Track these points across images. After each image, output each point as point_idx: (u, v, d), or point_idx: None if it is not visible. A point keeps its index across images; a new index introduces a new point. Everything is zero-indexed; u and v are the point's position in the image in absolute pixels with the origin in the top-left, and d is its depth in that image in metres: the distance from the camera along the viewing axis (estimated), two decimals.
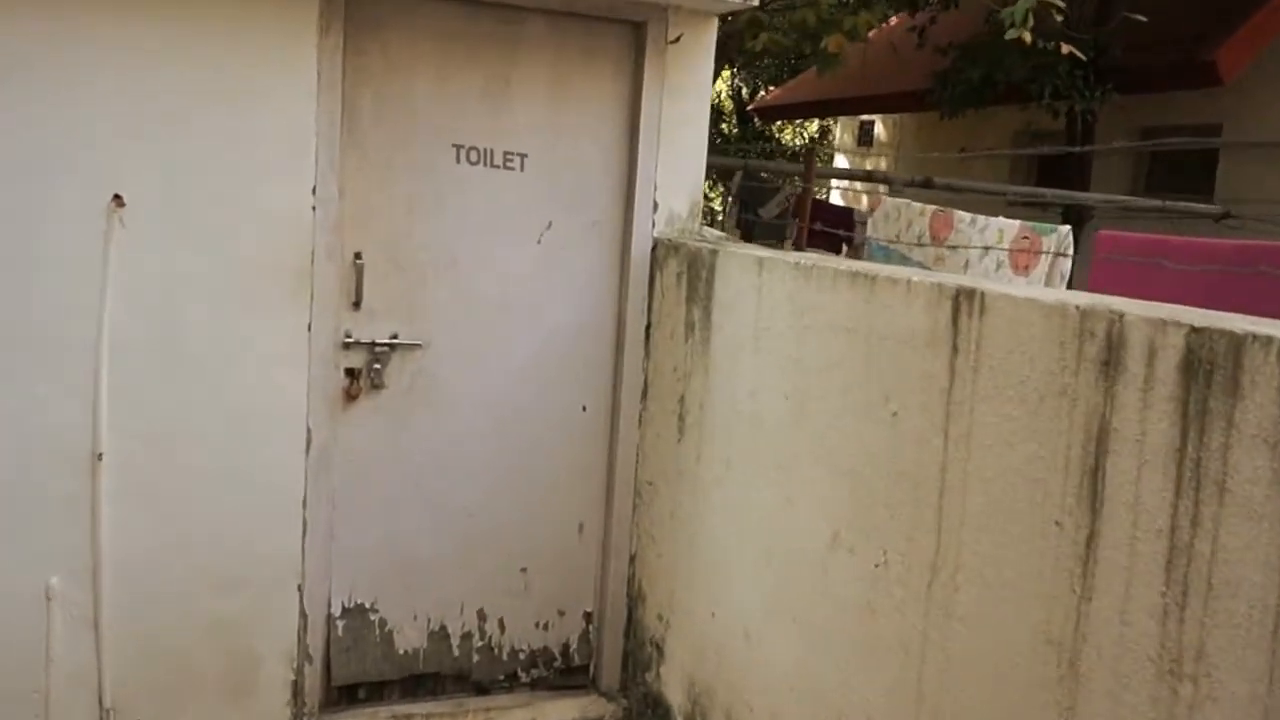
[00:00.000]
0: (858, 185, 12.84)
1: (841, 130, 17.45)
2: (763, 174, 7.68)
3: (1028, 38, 5.59)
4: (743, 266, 3.95)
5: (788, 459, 3.67)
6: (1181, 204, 7.00)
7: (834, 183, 13.61)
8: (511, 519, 4.57)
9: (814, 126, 22.69)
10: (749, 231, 7.81)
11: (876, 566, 3.20)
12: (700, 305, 4.20)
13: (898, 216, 5.47)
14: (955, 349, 2.93)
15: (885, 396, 3.20)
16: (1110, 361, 2.45)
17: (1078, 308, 2.54)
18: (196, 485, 4.03)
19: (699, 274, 4.21)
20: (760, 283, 3.83)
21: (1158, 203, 6.96)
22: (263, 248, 4.01)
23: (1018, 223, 5.12)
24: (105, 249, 3.82)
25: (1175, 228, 6.43)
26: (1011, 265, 4.99)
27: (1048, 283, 4.92)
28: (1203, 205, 7.12)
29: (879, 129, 15.67)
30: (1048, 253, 4.80)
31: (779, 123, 21.05)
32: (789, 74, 17.48)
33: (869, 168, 15.26)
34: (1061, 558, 2.56)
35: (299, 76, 3.98)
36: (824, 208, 7.55)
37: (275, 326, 4.06)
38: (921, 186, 6.73)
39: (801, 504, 3.58)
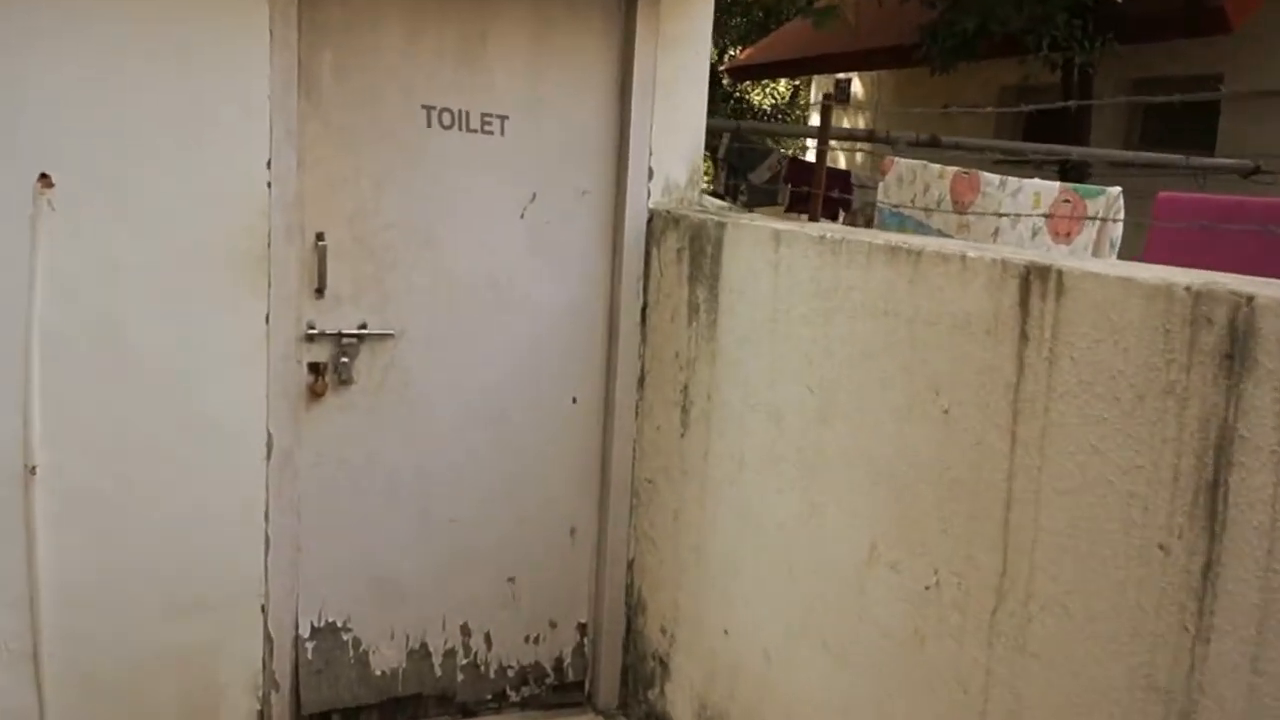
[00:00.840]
0: (835, 145, 12.38)
1: (816, 89, 16.97)
2: (752, 136, 7.24)
3: None
4: (756, 241, 3.50)
5: (813, 459, 3.24)
6: (1208, 160, 6.53)
7: (809, 143, 13.18)
8: (497, 524, 4.13)
9: (782, 85, 22.21)
10: (733, 197, 7.38)
11: (927, 588, 2.78)
12: (705, 285, 3.76)
13: (913, 179, 5.03)
14: (1024, 337, 2.50)
15: (934, 391, 2.77)
16: (1234, 355, 2.03)
17: (1188, 289, 2.12)
18: (143, 499, 3.56)
19: (703, 249, 3.77)
20: (777, 259, 3.39)
21: (1179, 158, 6.50)
22: (213, 230, 3.53)
23: (1057, 184, 4.67)
24: (32, 236, 3.33)
25: (1194, 186, 6.03)
26: (1050, 232, 4.55)
27: (1095, 252, 4.49)
28: (1229, 160, 6.67)
29: (855, 86, 15.22)
30: (1094, 218, 4.37)
31: (747, 83, 20.54)
32: (759, 33, 16.98)
33: (846, 125, 14.86)
34: (1169, 589, 2.15)
35: (248, 35, 3.50)
36: (813, 169, 7.11)
37: (229, 319, 3.59)
38: (928, 146, 6.29)
39: (831, 511, 3.16)
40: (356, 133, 3.73)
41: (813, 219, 4.41)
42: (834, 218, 6.92)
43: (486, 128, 3.89)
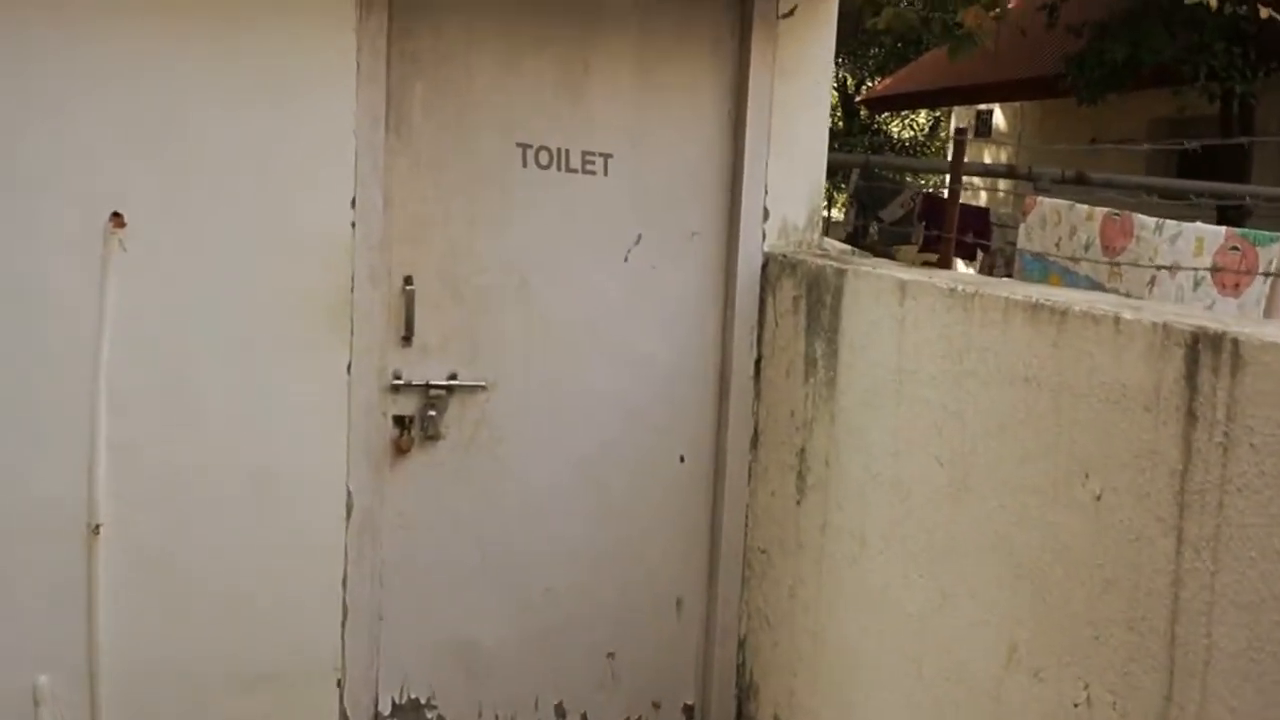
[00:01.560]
0: (975, 182, 11.84)
1: (956, 121, 16.42)
2: (883, 171, 6.85)
3: (1214, 2, 4.68)
4: (878, 291, 3.14)
5: (944, 543, 2.85)
6: None
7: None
8: (595, 594, 3.81)
9: (923, 118, 21.67)
10: (862, 238, 6.98)
11: (1075, 705, 2.37)
12: (824, 338, 3.41)
13: (1057, 222, 4.60)
14: (1192, 416, 2.09)
15: (1083, 473, 2.38)
16: None
17: None
18: (212, 561, 3.33)
19: (822, 299, 3.41)
20: (902, 313, 3.02)
21: None
22: (292, 273, 3.30)
23: (1223, 229, 4.19)
24: (102, 279, 3.15)
25: None
26: (1216, 284, 4.07)
27: (1269, 310, 4.00)
28: None
29: (998, 118, 14.66)
30: (1269, 273, 3.87)
31: (885, 115, 20.06)
32: (897, 63, 16.52)
33: (987, 160, 14.30)
34: None
35: (334, 67, 3.27)
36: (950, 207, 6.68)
37: (307, 368, 3.35)
38: (1074, 183, 5.83)
39: (964, 604, 2.76)
40: (448, 171, 3.47)
41: (944, 264, 4.00)
42: (970, 259, 6.49)
43: (588, 167, 3.60)
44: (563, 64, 3.53)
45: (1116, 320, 2.29)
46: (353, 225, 3.33)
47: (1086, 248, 4.40)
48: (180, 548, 3.29)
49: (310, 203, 3.30)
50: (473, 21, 3.44)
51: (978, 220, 6.09)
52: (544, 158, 3.55)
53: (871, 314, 3.16)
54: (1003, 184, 8.49)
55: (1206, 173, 8.67)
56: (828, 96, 3.69)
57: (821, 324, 3.41)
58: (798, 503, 3.59)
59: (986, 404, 2.69)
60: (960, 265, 6.58)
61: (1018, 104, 13.81)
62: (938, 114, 20.58)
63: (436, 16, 3.41)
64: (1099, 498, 2.33)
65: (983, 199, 11.28)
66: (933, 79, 13.85)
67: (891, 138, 20.95)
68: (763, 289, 3.75)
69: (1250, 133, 8.41)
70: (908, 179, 9.32)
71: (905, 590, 3.02)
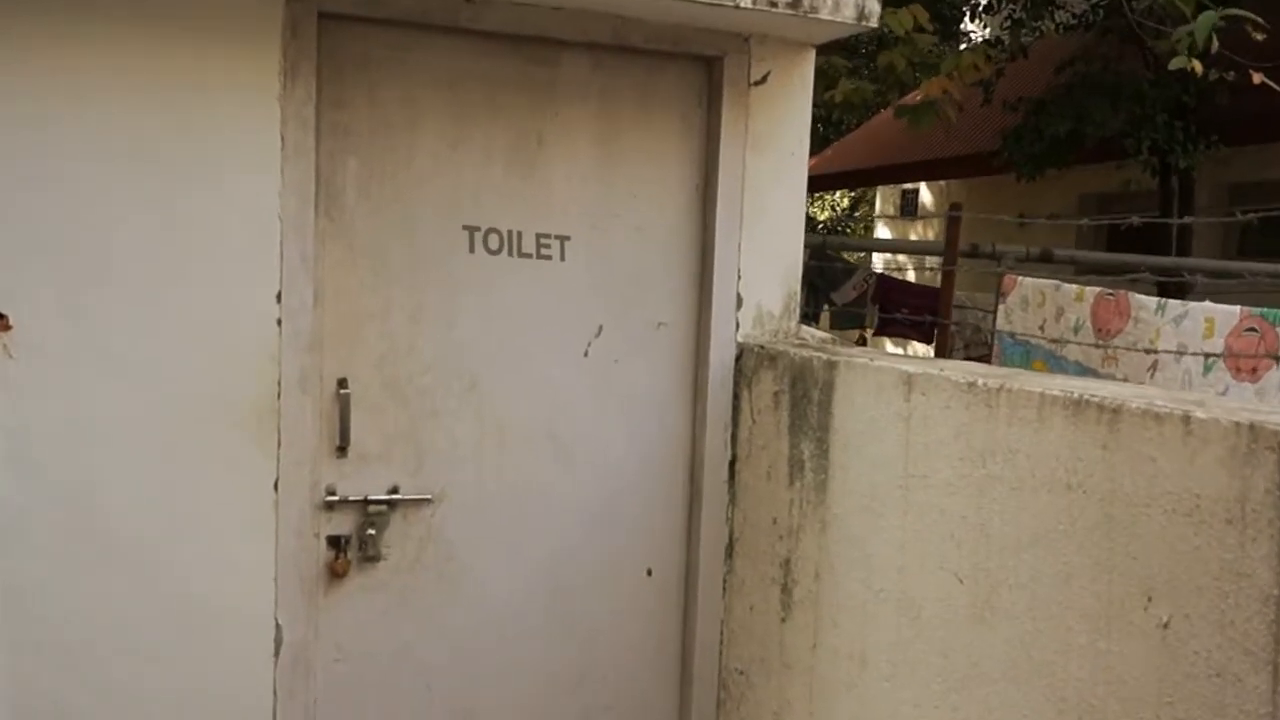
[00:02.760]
0: (904, 264, 11.67)
1: (882, 200, 16.37)
2: (832, 253, 6.58)
3: (1199, 68, 4.49)
4: (878, 386, 2.80)
5: (965, 669, 2.50)
6: None
7: (876, 259, 12.49)
8: None
9: (840, 197, 21.65)
10: (812, 321, 6.70)
11: None
12: (812, 437, 3.06)
13: (1041, 302, 4.32)
14: None
15: (1145, 595, 2.05)
16: None
17: None
18: (122, 713, 2.87)
19: (807, 394, 3.08)
20: (909, 409, 2.68)
21: None
22: (209, 378, 2.89)
23: (1238, 309, 3.91)
24: None
25: None
26: (1230, 369, 3.79)
27: None
28: None
29: (924, 196, 14.59)
30: None
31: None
32: (819, 143, 16.47)
33: (913, 239, 14.19)
34: None
35: (255, 142, 2.89)
36: (905, 289, 6.44)
37: (228, 485, 2.93)
38: (1038, 261, 5.58)
39: None
40: (386, 257, 3.10)
41: (939, 353, 3.69)
42: (928, 341, 6.22)
43: (543, 251, 3.24)
44: (514, 136, 3.19)
45: (1186, 420, 1.97)
46: (278, 323, 2.94)
47: (1076, 330, 4.12)
48: (85, 697, 2.83)
49: (231, 299, 2.90)
50: (412, 90, 3.09)
51: (934, 301, 5.82)
52: (494, 241, 3.19)
53: (870, 410, 2.82)
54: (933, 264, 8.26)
55: (1142, 248, 8.56)
56: (804, 169, 3.38)
57: (809, 421, 3.07)
58: (782, 619, 3.22)
59: (1017, 514, 2.35)
60: (919, 348, 6.32)
61: (943, 182, 13.75)
62: (854, 194, 20.59)
63: (371, 83, 3.05)
64: (1166, 625, 2.00)
65: (910, 277, 11.13)
66: (855, 160, 13.76)
67: (811, 219, 20.92)
68: (737, 383, 3.40)
69: (1189, 206, 8.31)
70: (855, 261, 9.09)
71: None
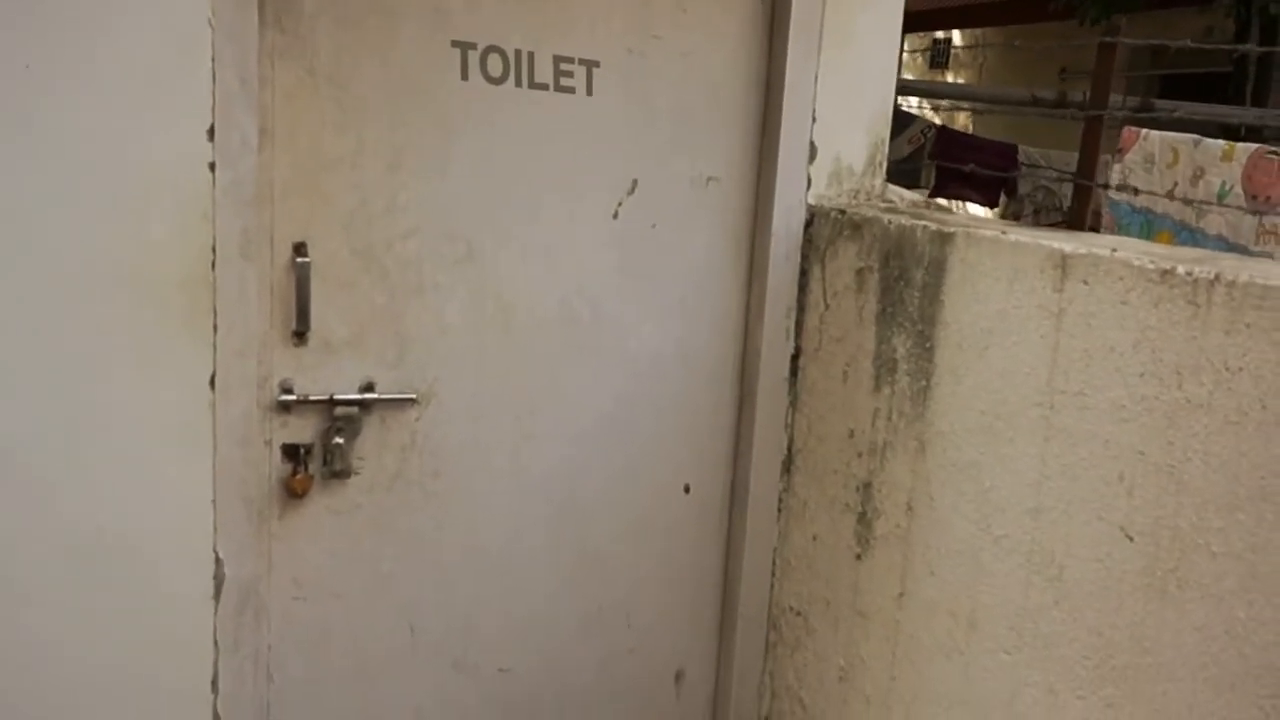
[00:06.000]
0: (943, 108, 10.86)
1: (910, 48, 15.45)
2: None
3: None
4: (1015, 269, 2.09)
5: (1130, 657, 1.85)
6: None
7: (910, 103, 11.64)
8: (568, 672, 2.79)
9: None
10: None
11: None
12: (910, 331, 2.36)
13: (1172, 161, 3.54)
14: None
15: None
16: None
17: None
18: (20, 673, 2.23)
19: (906, 275, 2.37)
20: (1062, 303, 1.98)
21: None
22: (119, 241, 2.17)
23: None
24: None
25: None
26: None
27: None
28: None
29: (957, 43, 13.73)
30: None
31: None
32: None
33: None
34: None
35: None
36: (970, 143, 5.67)
37: (147, 383, 2.23)
38: (1136, 111, 4.78)
39: None
40: (356, 85, 2.36)
41: (1077, 226, 2.95)
42: (994, 204, 5.48)
43: (563, 80, 2.50)
44: None
45: None
46: (211, 167, 2.20)
47: (1221, 197, 3.37)
48: None
49: (144, 135, 2.15)
50: None
51: (1003, 159, 5.08)
52: (495, 65, 2.44)
53: (1001, 301, 2.12)
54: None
55: (1211, 99, 7.83)
56: None
57: (906, 310, 2.37)
58: (858, 556, 2.56)
59: (1233, 456, 1.67)
60: (978, 211, 5.60)
61: (978, 31, 12.87)
62: None
63: None
64: None
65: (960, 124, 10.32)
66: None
67: None
68: (807, 257, 2.69)
69: (1271, 53, 7.50)
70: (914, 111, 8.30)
71: (1052, 711, 2.03)
